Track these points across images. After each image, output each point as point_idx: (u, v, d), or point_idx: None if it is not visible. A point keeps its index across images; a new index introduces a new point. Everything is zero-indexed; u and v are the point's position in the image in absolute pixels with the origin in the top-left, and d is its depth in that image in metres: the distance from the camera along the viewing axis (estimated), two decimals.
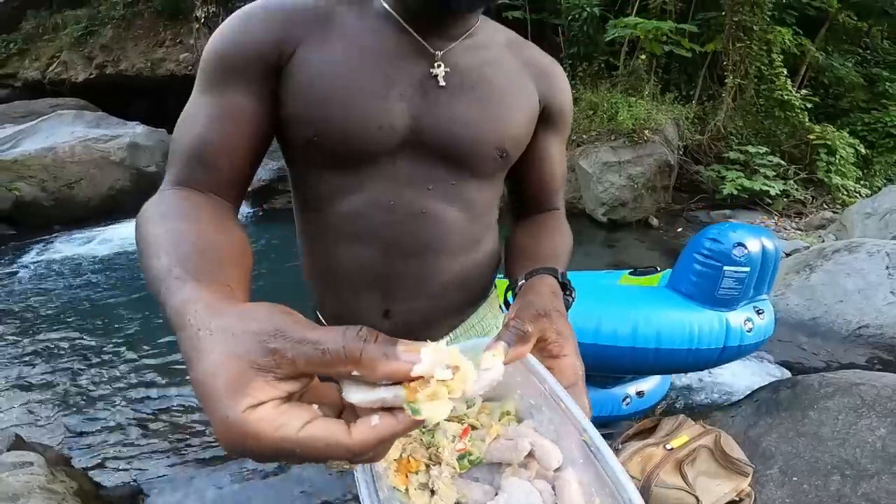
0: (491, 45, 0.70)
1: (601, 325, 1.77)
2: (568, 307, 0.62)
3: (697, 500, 1.40)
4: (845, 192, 5.91)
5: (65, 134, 5.52)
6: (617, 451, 1.59)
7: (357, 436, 0.30)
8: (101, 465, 2.02)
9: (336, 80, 0.61)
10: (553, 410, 0.46)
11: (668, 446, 1.56)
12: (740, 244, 1.71)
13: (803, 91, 6.22)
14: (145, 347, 2.90)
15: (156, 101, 8.34)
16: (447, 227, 0.70)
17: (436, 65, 0.64)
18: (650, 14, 6.10)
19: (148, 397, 2.46)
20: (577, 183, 5.46)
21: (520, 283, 0.64)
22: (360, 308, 0.72)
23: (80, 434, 2.22)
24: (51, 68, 8.88)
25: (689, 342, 1.77)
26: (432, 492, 0.45)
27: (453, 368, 0.31)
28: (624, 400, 2.03)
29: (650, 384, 2.12)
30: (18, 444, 1.64)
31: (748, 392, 2.06)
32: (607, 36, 5.66)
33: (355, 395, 0.31)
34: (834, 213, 5.62)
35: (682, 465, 1.49)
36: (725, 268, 1.72)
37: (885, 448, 1.47)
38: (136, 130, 5.82)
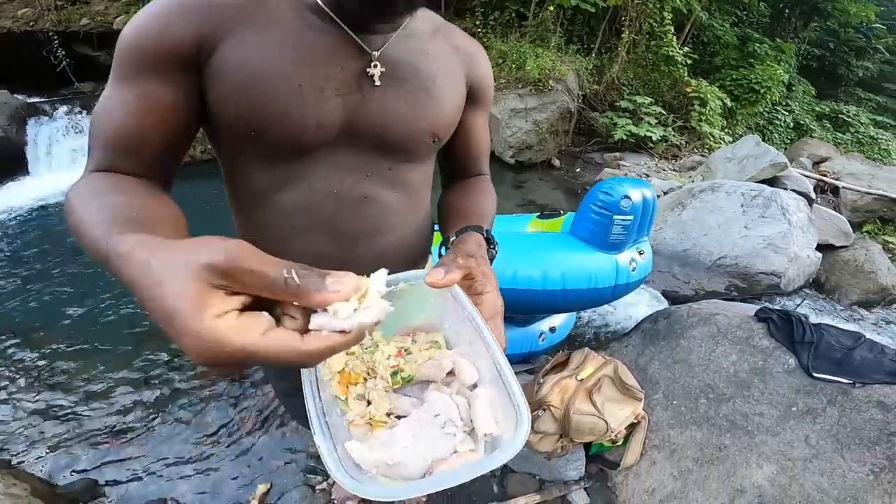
0: (422, 33, 0.71)
1: (517, 272, 1.96)
2: (492, 259, 0.69)
3: (607, 423, 1.67)
4: (712, 139, 6.75)
5: None
6: (540, 385, 1.81)
7: (310, 343, 0.35)
8: (43, 464, 1.83)
9: (274, 77, 0.60)
10: (473, 337, 0.51)
11: (579, 377, 1.79)
12: (626, 196, 1.96)
13: (685, 49, 6.85)
14: (46, 331, 2.57)
15: None
16: (388, 209, 0.75)
17: (372, 65, 0.65)
18: None
19: (60, 384, 2.22)
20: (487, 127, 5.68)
21: (451, 239, 0.71)
22: None
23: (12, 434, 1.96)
24: None
25: (588, 282, 2.01)
26: (368, 402, 0.51)
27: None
28: (539, 336, 2.31)
29: (560, 320, 2.41)
30: None
31: (637, 321, 2.37)
32: None
33: (317, 321, 0.36)
34: (702, 156, 6.39)
35: (591, 394, 1.73)
36: (615, 217, 1.97)
37: (737, 373, 1.73)
38: None
